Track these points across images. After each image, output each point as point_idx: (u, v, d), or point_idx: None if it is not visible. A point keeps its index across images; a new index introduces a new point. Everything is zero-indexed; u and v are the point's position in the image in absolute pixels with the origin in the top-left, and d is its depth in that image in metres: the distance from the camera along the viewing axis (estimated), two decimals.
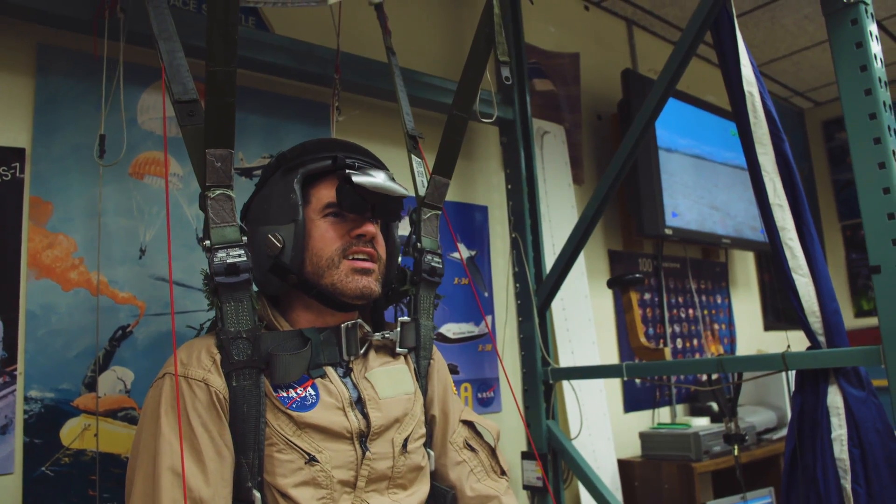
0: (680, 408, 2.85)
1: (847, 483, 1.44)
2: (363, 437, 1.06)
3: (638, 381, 2.65)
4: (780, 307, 3.76)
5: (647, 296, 2.84)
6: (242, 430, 0.99)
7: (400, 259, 1.27)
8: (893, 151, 1.41)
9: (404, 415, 1.12)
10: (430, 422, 1.24)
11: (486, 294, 2.22)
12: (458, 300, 2.13)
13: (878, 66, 1.45)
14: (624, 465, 2.38)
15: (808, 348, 1.57)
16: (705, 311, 3.13)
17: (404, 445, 1.10)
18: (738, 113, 1.66)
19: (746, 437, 2.03)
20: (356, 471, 1.04)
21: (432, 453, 1.22)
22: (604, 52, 2.89)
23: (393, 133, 1.55)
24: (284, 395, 1.02)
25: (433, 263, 1.28)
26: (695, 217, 2.77)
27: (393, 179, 1.12)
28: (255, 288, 1.08)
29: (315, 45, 1.75)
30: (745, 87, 1.65)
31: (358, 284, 1.09)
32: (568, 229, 2.26)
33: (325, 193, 1.11)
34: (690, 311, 3.05)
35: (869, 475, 1.43)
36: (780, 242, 1.59)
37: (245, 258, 1.03)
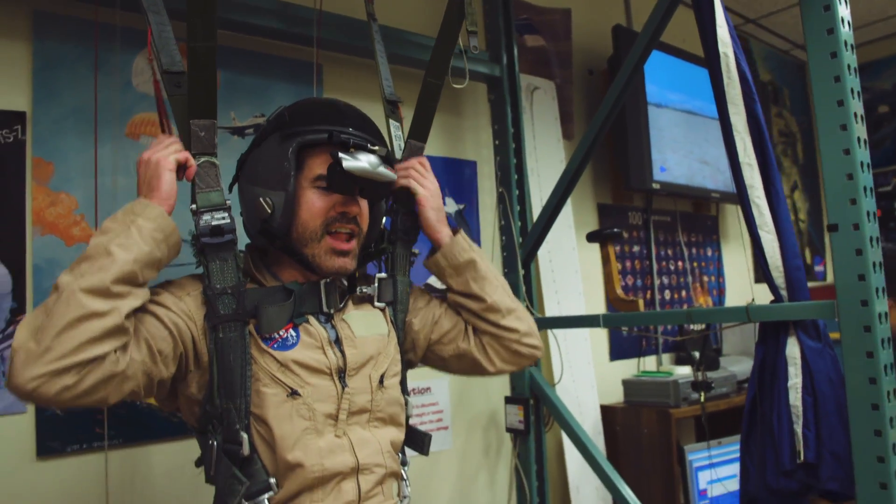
0: (666, 357, 2.95)
1: (798, 427, 1.54)
2: (342, 373, 1.16)
3: (625, 331, 2.74)
4: None
5: (635, 248, 2.91)
6: (230, 378, 1.09)
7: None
8: (855, 114, 1.46)
9: (378, 353, 1.22)
10: (443, 335, 1.34)
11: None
12: None
13: (845, 30, 1.49)
14: (607, 411, 2.50)
15: (772, 301, 1.65)
16: (695, 264, 3.21)
17: (381, 381, 1.20)
18: (713, 73, 1.71)
19: (713, 385, 2.13)
20: (337, 404, 1.14)
21: (410, 399, 1.33)
22: (597, 8, 2.91)
23: (378, 90, 1.62)
24: (267, 337, 1.12)
25: (408, 224, 1.36)
26: (684, 171, 2.82)
27: (385, 158, 1.18)
28: (240, 248, 1.17)
29: (298, 5, 1.80)
30: (720, 48, 1.69)
31: (334, 264, 1.17)
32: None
33: (318, 165, 1.16)
34: (679, 263, 3.12)
35: (819, 421, 1.52)
36: (748, 200, 1.65)
37: (228, 220, 1.11)
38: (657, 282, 2.98)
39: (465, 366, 1.36)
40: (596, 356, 2.63)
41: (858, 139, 1.46)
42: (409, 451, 1.38)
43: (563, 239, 2.47)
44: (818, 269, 4.23)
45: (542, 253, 2.43)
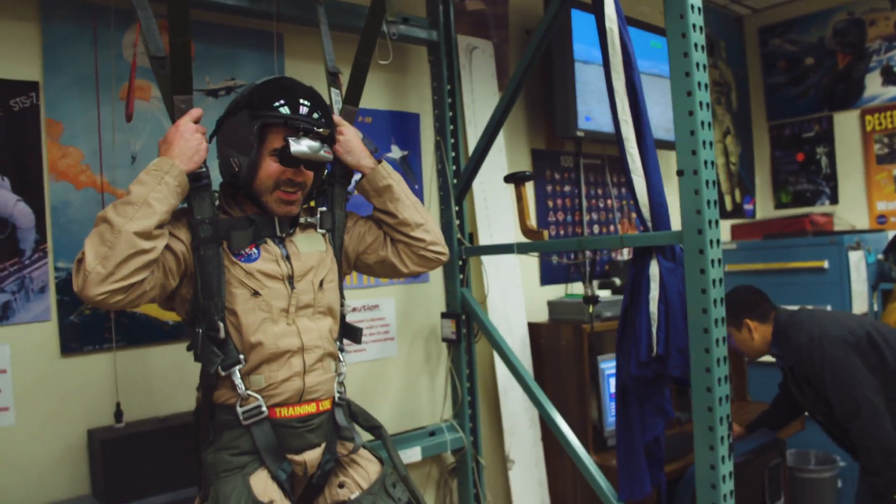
0: (596, 282, 3.39)
1: (654, 329, 1.98)
2: (290, 279, 1.58)
3: (554, 259, 3.17)
4: None
5: (567, 188, 3.33)
6: (210, 283, 1.50)
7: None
8: (698, 84, 1.85)
9: (318, 264, 1.63)
10: (368, 246, 1.75)
11: (417, 186, 2.71)
12: None
13: (695, 15, 1.87)
14: (533, 327, 2.94)
15: (641, 231, 2.07)
16: (623, 202, 3.62)
17: (321, 284, 1.62)
18: (601, 44, 2.07)
19: (599, 299, 2.58)
20: (288, 301, 1.56)
21: (346, 301, 1.75)
22: None
23: (338, 56, 1.96)
24: (236, 253, 1.53)
25: (342, 169, 1.76)
26: (608, 121, 3.19)
27: (327, 138, 1.58)
28: (215, 188, 1.58)
29: None
30: (607, 24, 2.05)
31: (282, 210, 1.59)
32: None
33: (275, 140, 1.54)
34: (609, 201, 3.54)
35: (668, 323, 1.96)
36: (624, 150, 2.04)
37: (205, 170, 1.51)
38: (587, 217, 3.40)
39: (386, 269, 1.78)
40: (527, 281, 3.07)
41: (700, 103, 1.85)
42: (359, 356, 1.79)
43: (496, 180, 2.86)
44: (748, 207, 4.68)
45: (478, 192, 2.84)
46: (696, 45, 1.86)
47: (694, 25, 1.87)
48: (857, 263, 3.74)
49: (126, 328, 2.00)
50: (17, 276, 1.85)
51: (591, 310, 2.44)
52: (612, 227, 3.54)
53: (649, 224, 2.04)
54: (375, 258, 1.77)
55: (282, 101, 1.56)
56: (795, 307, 2.70)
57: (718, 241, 1.88)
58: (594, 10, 2.09)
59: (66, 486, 1.90)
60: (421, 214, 1.75)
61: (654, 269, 2.01)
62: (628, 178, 2.04)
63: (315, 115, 1.58)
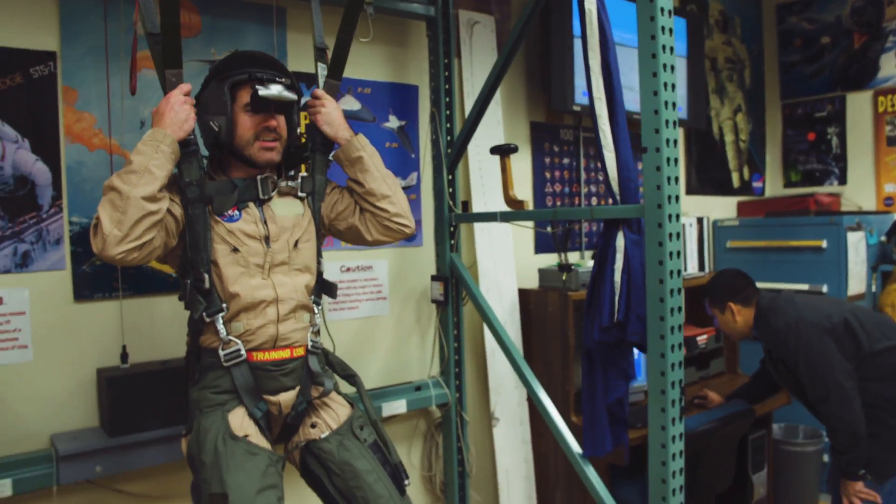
0: (588, 253, 3.51)
1: (616, 297, 2.11)
2: (267, 239, 1.75)
3: (549, 230, 3.29)
4: (706, 176, 4.33)
5: (565, 160, 3.44)
6: (196, 239, 1.68)
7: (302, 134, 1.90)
8: (664, 65, 1.95)
9: (294, 226, 1.80)
10: (339, 213, 1.91)
11: (413, 155, 2.85)
12: (391, 160, 2.77)
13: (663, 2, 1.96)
14: (523, 293, 3.08)
15: (610, 204, 2.18)
16: None
17: (295, 245, 1.80)
18: (581, 25, 2.18)
19: (573, 267, 2.71)
20: (264, 258, 1.74)
21: (323, 261, 1.92)
22: None
23: (334, 28, 2.10)
24: (220, 213, 1.71)
25: (322, 138, 1.91)
26: None
27: (289, 87, 1.74)
28: (203, 153, 1.75)
29: None
30: (587, 6, 2.14)
31: (265, 157, 1.76)
32: (491, 107, 2.82)
33: (244, 97, 1.73)
34: None
35: (630, 292, 2.08)
36: (597, 127, 2.15)
37: (193, 137, 1.68)
38: (584, 189, 3.51)
39: (353, 236, 1.94)
40: (521, 249, 3.21)
41: (665, 84, 1.95)
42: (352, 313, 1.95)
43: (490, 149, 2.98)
44: (756, 184, 4.73)
45: (474, 163, 2.97)
46: (663, 27, 1.95)
47: (662, 10, 1.96)
48: (857, 244, 3.79)
49: (132, 279, 2.20)
50: (36, 228, 2.05)
51: (564, 277, 2.58)
52: (609, 200, 3.64)
53: (618, 197, 2.15)
54: (345, 225, 1.93)
55: (246, 62, 1.75)
56: (779, 289, 2.80)
57: (678, 216, 1.99)
58: None
59: (78, 418, 2.12)
60: (389, 187, 1.89)
61: (620, 240, 2.13)
62: (599, 152, 2.16)
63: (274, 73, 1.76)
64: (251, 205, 1.77)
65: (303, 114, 1.93)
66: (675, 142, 1.99)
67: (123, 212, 1.52)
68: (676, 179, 1.99)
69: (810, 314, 2.57)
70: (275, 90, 1.71)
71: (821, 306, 2.64)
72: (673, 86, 1.98)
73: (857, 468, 2.50)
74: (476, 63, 2.99)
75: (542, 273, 3.06)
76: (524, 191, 3.23)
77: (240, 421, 1.70)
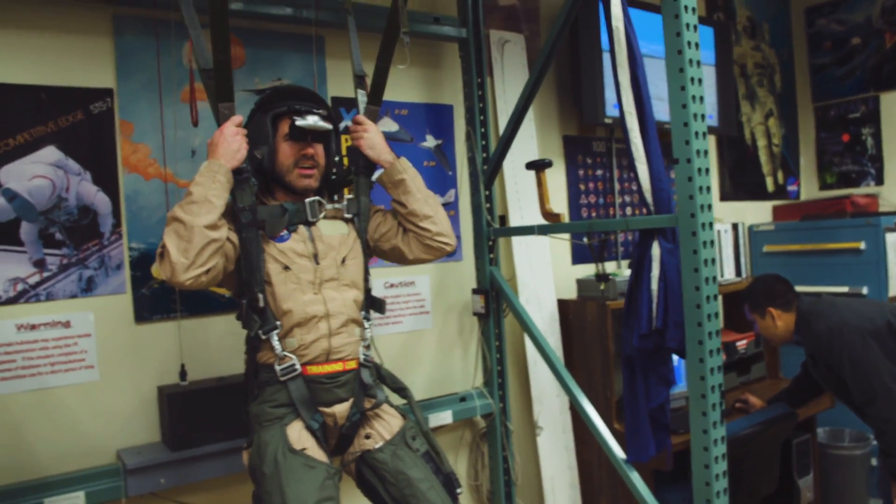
0: (624, 262, 3.55)
1: (654, 305, 2.16)
2: (315, 257, 1.85)
3: (585, 241, 3.35)
4: (740, 181, 4.34)
5: (598, 172, 3.50)
6: (251, 260, 1.78)
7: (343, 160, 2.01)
8: (691, 79, 2.01)
9: (340, 244, 1.90)
10: (382, 234, 2.00)
11: (450, 173, 2.94)
12: (429, 178, 2.85)
13: (688, 15, 2.02)
14: (562, 304, 3.14)
15: (644, 214, 2.24)
16: None
17: (343, 261, 1.89)
18: (609, 41, 2.24)
19: (609, 276, 2.76)
20: (314, 275, 1.84)
21: (371, 277, 2.01)
22: None
23: (372, 54, 2.21)
24: (272, 235, 1.82)
25: (367, 162, 2.00)
26: None
27: (325, 117, 1.86)
28: (254, 180, 1.85)
29: None
30: (613, 23, 2.22)
31: (302, 183, 1.87)
32: (524, 123, 2.90)
33: (284, 127, 1.86)
34: None
35: (667, 299, 2.13)
36: (629, 140, 2.21)
37: (245, 164, 1.78)
38: (619, 200, 3.56)
39: (396, 256, 2.03)
40: (559, 260, 3.27)
41: (693, 97, 2.01)
42: (397, 328, 2.07)
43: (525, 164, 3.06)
44: (791, 188, 4.72)
45: (509, 178, 3.05)
46: (689, 42, 2.02)
47: (688, 25, 2.02)
48: (895, 244, 3.77)
49: (189, 300, 2.31)
50: (98, 254, 2.18)
51: (602, 287, 2.64)
52: (644, 210, 3.68)
53: (651, 208, 2.21)
54: (389, 245, 2.02)
55: (286, 96, 1.88)
56: (821, 292, 2.80)
57: (711, 224, 2.04)
58: (604, 11, 2.25)
59: (141, 434, 2.24)
60: (431, 207, 1.98)
61: (655, 249, 2.18)
62: (632, 165, 2.22)
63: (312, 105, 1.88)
64: (300, 226, 1.87)
65: (344, 137, 2.04)
66: (706, 152, 2.04)
67: (189, 241, 1.62)
68: (708, 189, 2.04)
69: (853, 317, 2.58)
70: (311, 120, 1.83)
71: (862, 309, 2.64)
72: (701, 98, 2.04)
73: None
74: (508, 80, 3.08)
75: (581, 283, 3.12)
76: (559, 203, 3.30)
77: (297, 434, 1.79)
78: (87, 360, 2.16)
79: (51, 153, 2.10)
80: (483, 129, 2.85)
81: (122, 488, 2.07)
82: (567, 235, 3.22)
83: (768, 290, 2.77)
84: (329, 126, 1.87)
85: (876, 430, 2.54)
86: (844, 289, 3.80)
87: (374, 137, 1.98)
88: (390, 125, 2.76)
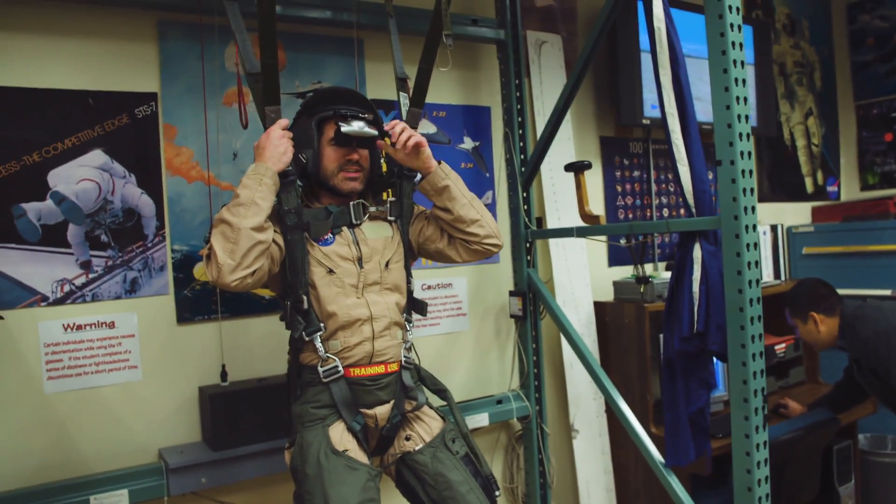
0: (661, 264, 3.52)
1: (695, 307, 2.13)
2: (360, 260, 1.86)
3: (622, 242, 3.32)
4: (778, 182, 4.28)
5: (636, 173, 3.47)
6: (295, 263, 1.80)
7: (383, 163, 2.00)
8: (735, 79, 1.98)
9: (384, 248, 1.91)
10: (427, 238, 2.00)
11: (488, 175, 2.94)
12: (467, 180, 2.84)
13: (733, 15, 1.99)
14: (598, 306, 3.12)
15: (685, 216, 2.21)
16: None
17: (386, 265, 1.90)
18: (650, 42, 2.22)
19: (650, 278, 2.73)
20: (357, 279, 1.85)
21: (413, 279, 2.01)
22: None
23: (412, 56, 2.21)
24: (316, 238, 1.83)
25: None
26: None
27: (371, 122, 1.86)
28: (299, 183, 1.87)
29: None
30: (655, 23, 2.20)
31: (348, 186, 1.88)
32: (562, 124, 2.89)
33: (329, 131, 1.86)
34: None
35: (709, 302, 2.11)
36: (671, 141, 2.19)
37: (291, 168, 1.79)
38: (656, 201, 3.53)
39: (444, 258, 2.03)
40: (595, 262, 3.25)
41: (737, 98, 1.98)
42: (434, 329, 2.10)
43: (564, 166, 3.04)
44: (831, 189, 4.63)
45: (546, 179, 3.04)
46: (733, 42, 1.99)
47: (732, 25, 1.99)
48: None
49: (229, 301, 2.34)
50: (142, 256, 2.21)
51: (642, 289, 2.61)
52: (681, 211, 3.65)
53: (693, 210, 2.18)
54: (434, 248, 2.02)
55: (332, 99, 1.88)
56: (863, 296, 2.74)
57: (755, 227, 2.01)
58: (645, 12, 2.23)
59: (183, 433, 2.27)
60: (476, 210, 1.95)
61: (696, 251, 2.16)
62: (673, 166, 2.19)
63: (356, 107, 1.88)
64: (344, 229, 1.88)
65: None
66: (750, 154, 2.01)
67: (235, 242, 1.64)
68: (752, 191, 2.01)
69: None
70: (356, 126, 1.83)
71: None
72: (745, 99, 2.01)
73: None
74: (545, 81, 3.06)
75: (618, 285, 3.09)
76: (596, 204, 3.28)
77: (339, 436, 1.80)
78: (131, 360, 2.19)
79: (97, 157, 2.14)
80: (521, 131, 2.84)
81: (164, 487, 2.09)
82: (604, 237, 3.20)
83: (811, 295, 2.73)
84: (374, 132, 1.86)
85: None
86: (887, 292, 3.72)
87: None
88: (429, 127, 2.76)
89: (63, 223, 2.09)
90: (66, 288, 2.10)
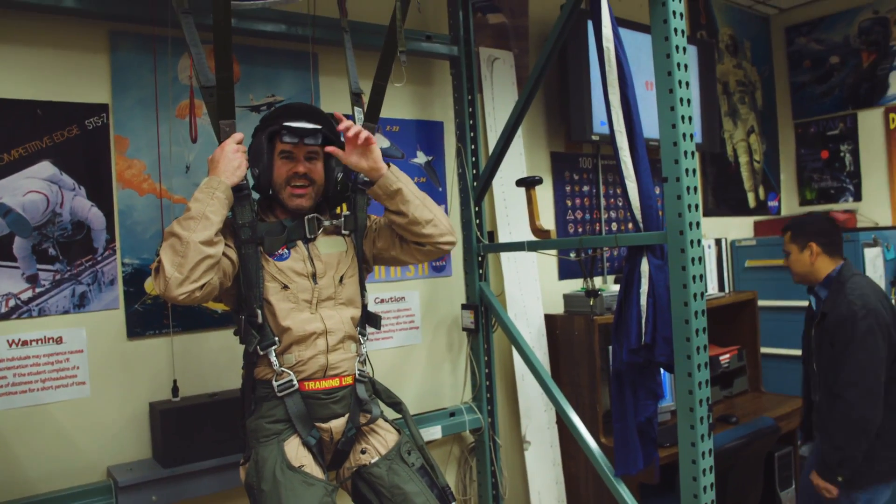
0: (610, 278, 3.60)
1: (643, 320, 2.19)
2: (314, 276, 1.87)
3: (572, 256, 3.39)
4: (722, 197, 4.42)
5: (585, 188, 3.55)
6: (249, 277, 1.80)
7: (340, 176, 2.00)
8: (680, 99, 2.05)
9: (338, 262, 1.92)
10: (380, 249, 2.02)
11: (440, 189, 2.97)
12: None
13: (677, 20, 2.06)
14: (549, 318, 3.17)
15: (633, 231, 2.28)
16: None
17: (340, 280, 1.91)
18: (599, 61, 2.29)
19: (599, 291, 2.80)
20: (311, 294, 1.85)
21: (367, 293, 2.03)
22: None
23: (366, 71, 2.23)
24: (270, 253, 1.83)
25: (363, 178, 2.01)
26: None
27: (317, 122, 1.87)
28: (255, 197, 1.87)
29: (297, 14, 2.42)
30: (605, 43, 2.26)
31: (294, 203, 1.89)
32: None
33: (280, 145, 1.88)
34: None
35: (656, 315, 2.16)
36: (618, 158, 2.25)
37: (245, 182, 1.80)
38: (604, 215, 3.61)
39: (399, 263, 2.07)
40: (545, 275, 3.31)
41: (682, 117, 2.06)
42: (387, 343, 2.12)
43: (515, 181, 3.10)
44: (772, 203, 4.81)
45: (498, 194, 3.09)
46: (678, 63, 2.07)
47: (677, 47, 2.07)
48: (874, 260, 3.86)
49: (181, 316, 2.31)
50: (92, 270, 2.17)
51: (591, 302, 2.68)
52: (629, 225, 3.74)
53: (641, 225, 2.25)
54: (388, 256, 2.04)
55: (283, 116, 1.89)
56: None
57: (699, 241, 2.08)
58: (595, 32, 2.29)
59: (132, 450, 2.23)
60: (429, 209, 1.97)
61: (644, 265, 2.22)
62: (622, 182, 2.25)
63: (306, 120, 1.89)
64: (299, 243, 1.89)
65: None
66: (695, 171, 2.09)
67: (184, 256, 1.63)
68: (697, 206, 2.08)
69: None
70: (302, 121, 1.84)
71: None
72: (690, 118, 2.08)
73: (845, 471, 2.45)
74: (497, 97, 3.12)
75: (568, 298, 3.16)
76: (547, 219, 3.34)
77: (295, 451, 1.80)
78: (79, 376, 2.15)
79: (45, 168, 2.10)
80: (473, 146, 2.89)
81: None
82: (555, 251, 3.26)
83: (819, 226, 2.69)
84: (319, 126, 1.87)
85: (840, 416, 2.45)
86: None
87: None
88: (382, 141, 2.78)
89: (9, 236, 2.05)
90: (12, 303, 2.05)
